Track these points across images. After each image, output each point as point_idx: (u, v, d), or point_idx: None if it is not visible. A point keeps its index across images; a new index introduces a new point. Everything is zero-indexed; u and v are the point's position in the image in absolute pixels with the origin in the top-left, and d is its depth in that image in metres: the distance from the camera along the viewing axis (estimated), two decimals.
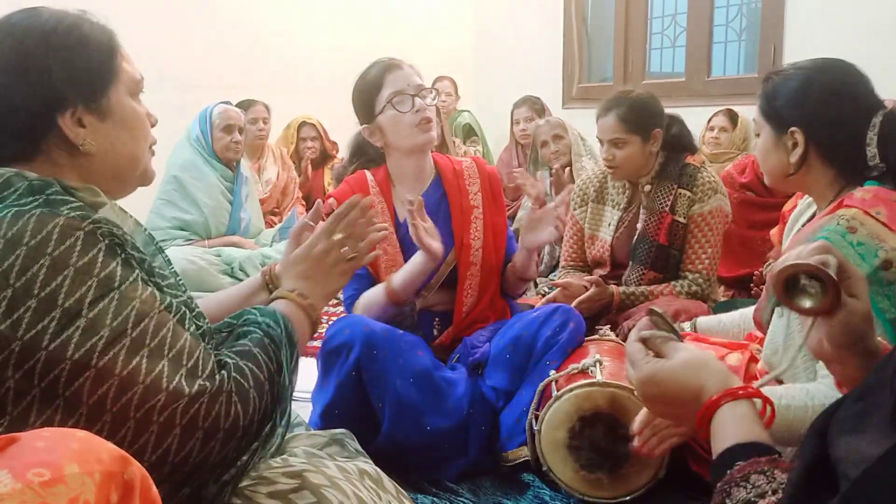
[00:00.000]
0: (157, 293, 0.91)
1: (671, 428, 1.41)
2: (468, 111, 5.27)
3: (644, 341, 0.95)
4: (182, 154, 3.42)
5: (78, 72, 0.95)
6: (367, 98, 1.91)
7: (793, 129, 1.38)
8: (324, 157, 4.50)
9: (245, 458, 0.95)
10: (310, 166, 4.43)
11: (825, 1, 3.65)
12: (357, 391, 1.69)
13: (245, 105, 4.00)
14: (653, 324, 0.97)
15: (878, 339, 0.91)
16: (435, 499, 1.62)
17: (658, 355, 0.93)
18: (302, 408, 1.92)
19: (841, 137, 1.36)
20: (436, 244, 1.75)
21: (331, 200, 1.97)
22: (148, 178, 1.08)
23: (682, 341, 0.96)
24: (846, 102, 1.37)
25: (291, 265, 1.21)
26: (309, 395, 1.84)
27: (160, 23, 4.10)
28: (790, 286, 0.87)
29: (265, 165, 4.12)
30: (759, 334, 1.52)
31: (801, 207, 1.61)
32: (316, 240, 1.22)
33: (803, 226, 1.49)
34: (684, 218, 2.30)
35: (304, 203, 4.23)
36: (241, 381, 0.93)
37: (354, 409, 1.69)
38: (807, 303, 0.86)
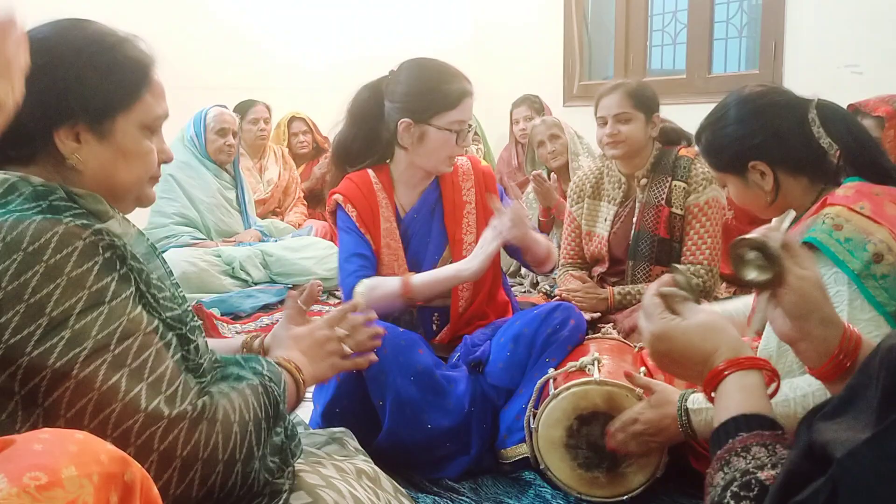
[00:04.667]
0: (147, 315, 0.91)
1: (646, 436, 1.45)
2: None
3: (662, 297, 0.95)
4: (175, 154, 3.44)
5: (91, 91, 0.94)
6: (433, 105, 1.85)
7: (752, 164, 1.44)
8: (316, 151, 4.49)
9: None
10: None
11: None
12: (358, 389, 1.69)
13: (246, 105, 3.99)
14: (674, 282, 0.96)
15: (843, 321, 0.94)
16: (436, 497, 1.62)
17: (674, 313, 0.93)
18: (302, 407, 1.92)
19: (795, 148, 1.42)
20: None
21: (336, 196, 1.94)
22: (144, 202, 1.08)
23: (699, 304, 0.95)
24: (780, 116, 1.43)
25: (292, 339, 1.22)
26: (310, 395, 1.85)
27: (158, 22, 4.10)
28: (741, 262, 0.94)
29: (266, 165, 4.12)
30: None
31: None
32: (320, 325, 1.26)
33: (789, 228, 1.50)
34: (681, 209, 2.30)
35: (305, 203, 4.23)
36: (229, 412, 0.91)
37: (355, 407, 1.69)
38: (753, 274, 0.93)
